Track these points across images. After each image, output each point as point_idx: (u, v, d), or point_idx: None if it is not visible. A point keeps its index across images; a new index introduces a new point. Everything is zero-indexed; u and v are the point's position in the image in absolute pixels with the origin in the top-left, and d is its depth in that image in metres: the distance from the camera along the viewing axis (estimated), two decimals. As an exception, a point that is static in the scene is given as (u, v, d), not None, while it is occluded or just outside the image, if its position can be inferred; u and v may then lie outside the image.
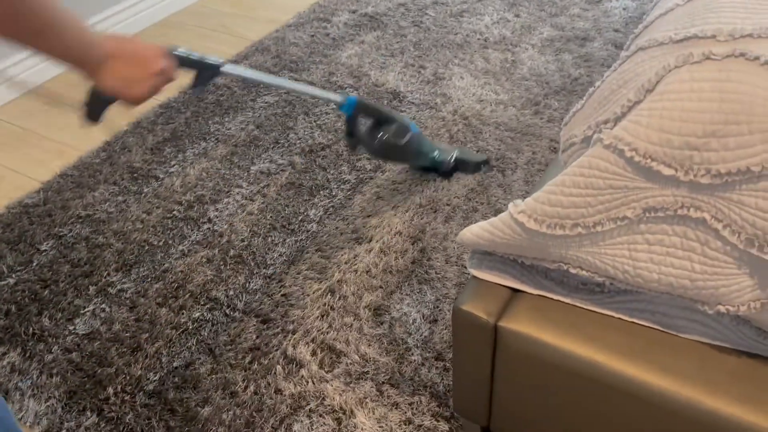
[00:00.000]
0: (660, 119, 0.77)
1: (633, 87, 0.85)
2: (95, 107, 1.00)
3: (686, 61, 0.79)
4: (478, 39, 2.35)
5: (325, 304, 1.42)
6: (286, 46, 2.38)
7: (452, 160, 1.66)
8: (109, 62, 0.87)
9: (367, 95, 2.09)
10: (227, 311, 1.42)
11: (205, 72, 1.08)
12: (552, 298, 0.95)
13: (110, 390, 1.28)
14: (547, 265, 0.93)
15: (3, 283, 1.52)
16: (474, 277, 0.99)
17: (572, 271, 0.90)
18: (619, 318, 0.92)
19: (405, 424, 1.20)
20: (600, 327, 0.92)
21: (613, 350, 0.89)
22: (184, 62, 1.05)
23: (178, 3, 2.71)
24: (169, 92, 2.18)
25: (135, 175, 1.82)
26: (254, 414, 1.23)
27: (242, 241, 1.60)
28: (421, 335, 1.34)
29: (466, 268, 1.31)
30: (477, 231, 0.94)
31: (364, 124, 1.47)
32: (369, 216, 1.64)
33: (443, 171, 1.68)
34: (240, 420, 1.22)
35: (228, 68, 1.09)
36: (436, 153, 1.59)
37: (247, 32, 2.53)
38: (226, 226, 1.64)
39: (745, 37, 0.79)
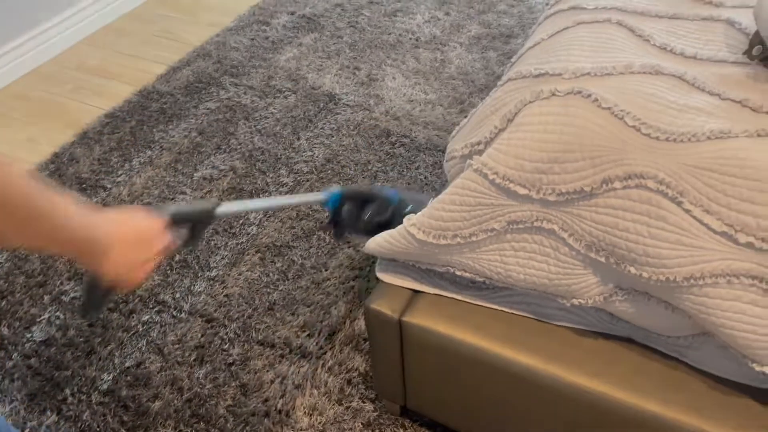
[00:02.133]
0: (515, 147, 0.93)
1: (499, 115, 1.00)
2: (96, 299, 0.89)
3: (537, 97, 0.94)
4: (410, 38, 2.49)
5: (264, 302, 1.57)
6: (226, 51, 2.48)
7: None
8: (113, 249, 0.73)
9: (305, 99, 2.21)
10: (174, 313, 1.55)
11: (200, 224, 0.92)
12: (446, 296, 1.11)
13: (67, 391, 1.41)
14: (438, 269, 1.08)
15: (-39, 296, 1.62)
16: (381, 280, 1.15)
17: (458, 273, 1.06)
18: (502, 310, 1.09)
19: (337, 405, 1.36)
20: (486, 318, 1.08)
21: (496, 337, 1.06)
22: (179, 219, 0.89)
23: (120, 8, 2.77)
24: (115, 101, 2.27)
25: (83, 185, 1.92)
26: (201, 404, 1.37)
27: (187, 245, 1.72)
28: (349, 327, 1.50)
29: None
30: (379, 241, 1.10)
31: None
32: (302, 219, 1.78)
33: None
34: (187, 412, 1.36)
35: (222, 210, 0.94)
36: (408, 208, 1.38)
37: (189, 36, 2.61)
38: (172, 232, 1.76)
39: (585, 76, 0.95)
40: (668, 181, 0.83)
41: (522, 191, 0.93)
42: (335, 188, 1.17)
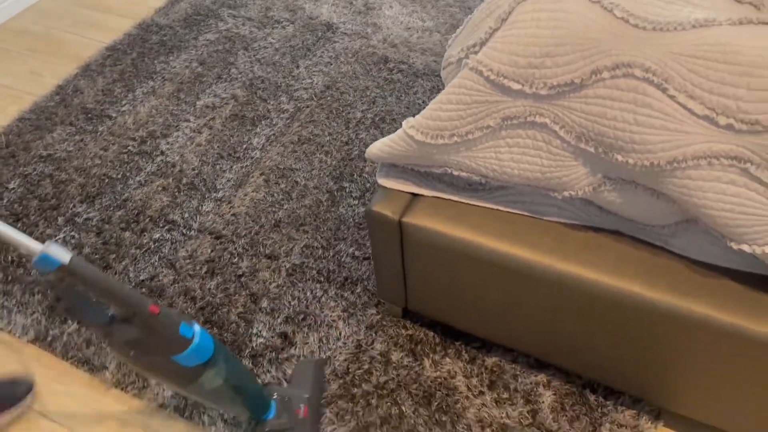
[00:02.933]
0: (509, 44, 0.96)
1: (494, 16, 1.03)
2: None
3: (531, -5, 0.98)
4: (408, -33, 2.48)
5: (270, 220, 1.63)
6: (223, -17, 2.47)
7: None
8: None
9: (303, 28, 2.22)
10: (184, 231, 1.62)
11: None
12: (444, 198, 1.17)
13: (86, 303, 1.49)
14: (435, 171, 1.13)
15: (-23, 220, 1.68)
16: (382, 185, 1.20)
17: (455, 173, 1.11)
18: (497, 209, 1.14)
19: (342, 312, 1.44)
20: (482, 217, 1.14)
21: (493, 234, 1.12)
22: None
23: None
24: (115, 34, 2.28)
25: (89, 115, 1.96)
26: (214, 312, 1.45)
27: (193, 170, 1.77)
28: (352, 236, 1.56)
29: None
30: (380, 146, 1.14)
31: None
32: (304, 143, 1.82)
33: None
34: (201, 319, 1.44)
35: None
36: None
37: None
38: (177, 158, 1.81)
39: (577, -27, 0.97)
40: (654, 69, 0.87)
41: (516, 86, 0.97)
42: (58, 255, 0.83)
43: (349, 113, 1.90)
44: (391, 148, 1.13)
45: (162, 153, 1.83)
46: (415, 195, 1.19)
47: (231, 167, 1.77)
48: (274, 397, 1.20)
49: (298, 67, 2.07)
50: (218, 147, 1.83)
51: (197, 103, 1.98)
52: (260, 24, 2.25)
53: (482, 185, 1.16)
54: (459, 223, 1.14)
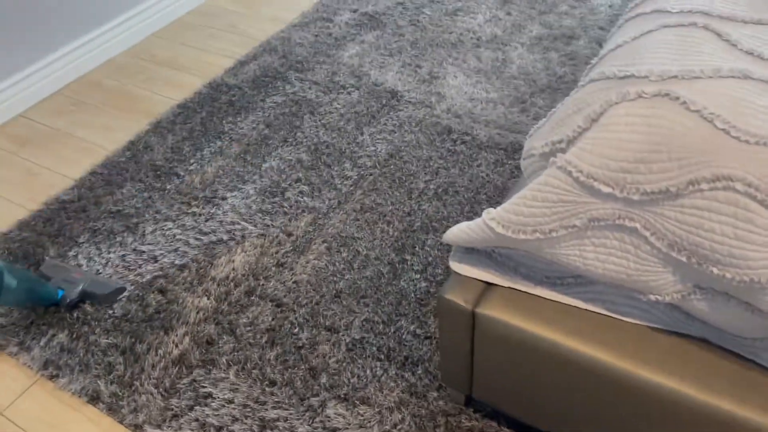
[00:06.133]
0: (601, 147, 0.95)
1: (583, 115, 1.03)
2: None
3: (624, 98, 0.97)
4: (471, 38, 2.51)
5: (331, 290, 1.62)
6: (291, 46, 2.55)
7: (76, 295, 1.59)
8: None
9: (368, 95, 2.26)
10: (247, 293, 1.63)
11: None
12: (520, 290, 1.15)
13: (147, 359, 1.50)
14: (512, 261, 1.12)
15: (46, 272, 1.72)
16: (455, 271, 1.18)
17: (533, 266, 1.09)
18: (575, 306, 1.11)
19: (401, 392, 1.41)
20: (559, 313, 1.11)
21: (569, 332, 1.09)
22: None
23: (187, 4, 2.87)
24: (186, 92, 2.36)
25: (158, 172, 2.01)
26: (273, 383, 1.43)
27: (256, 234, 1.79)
28: (413, 312, 1.54)
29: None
30: (457, 231, 1.13)
31: None
32: (366, 212, 1.83)
33: (63, 306, 1.60)
34: (258, 389, 1.42)
35: None
36: (43, 287, 1.51)
37: (254, 31, 2.69)
38: (240, 220, 1.83)
39: (672, 79, 0.97)
40: (757, 184, 0.85)
41: (605, 189, 0.95)
42: None
43: (411, 183, 1.91)
44: (468, 235, 1.12)
45: (225, 213, 1.85)
46: (488, 284, 1.17)
47: (294, 232, 1.79)
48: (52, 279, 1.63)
49: (362, 133, 2.10)
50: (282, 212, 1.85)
51: (263, 165, 2.01)
52: (326, 88, 2.30)
53: (561, 279, 1.13)
54: (534, 317, 1.11)
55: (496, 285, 1.16)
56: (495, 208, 1.09)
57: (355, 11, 2.74)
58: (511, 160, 1.95)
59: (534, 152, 1.12)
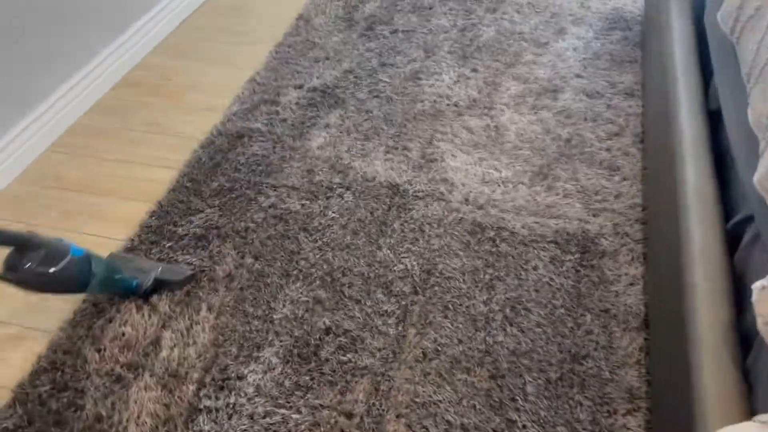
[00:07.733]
0: None
1: None
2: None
3: None
4: (448, 104, 2.21)
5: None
6: (244, 142, 2.08)
7: (149, 282, 1.54)
8: None
9: (364, 194, 1.87)
10: None
11: None
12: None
13: None
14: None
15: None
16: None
17: None
18: None
19: None
20: None
21: None
22: None
23: (83, 103, 2.28)
24: (128, 230, 1.82)
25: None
26: None
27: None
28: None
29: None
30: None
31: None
32: (433, 359, 1.45)
33: (139, 295, 1.56)
34: None
35: None
36: (120, 276, 1.50)
37: (187, 128, 2.18)
38: (271, 404, 1.38)
39: None
40: None
41: None
42: None
43: (468, 307, 1.56)
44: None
45: (251, 401, 1.38)
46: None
47: (354, 410, 1.36)
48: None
49: (380, 248, 1.71)
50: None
51: (274, 316, 1.55)
52: (310, 194, 1.88)
53: None
54: None
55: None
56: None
57: (300, 87, 2.32)
58: (569, 254, 1.67)
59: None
